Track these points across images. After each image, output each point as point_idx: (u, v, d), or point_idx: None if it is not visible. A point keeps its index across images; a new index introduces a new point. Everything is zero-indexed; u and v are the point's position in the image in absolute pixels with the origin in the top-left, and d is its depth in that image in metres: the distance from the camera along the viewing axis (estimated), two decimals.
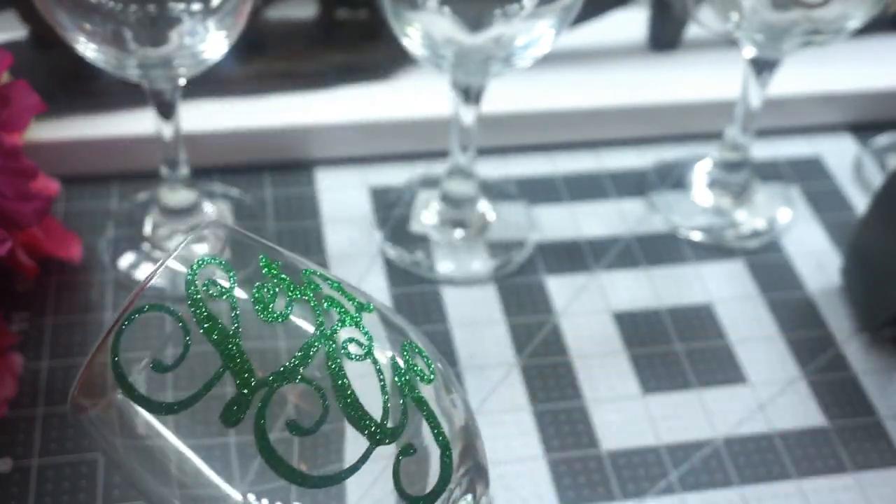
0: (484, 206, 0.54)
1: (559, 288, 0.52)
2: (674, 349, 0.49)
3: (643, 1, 0.63)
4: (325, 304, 0.30)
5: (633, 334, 0.50)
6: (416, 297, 0.50)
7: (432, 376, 0.31)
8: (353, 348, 0.30)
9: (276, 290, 0.30)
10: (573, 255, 0.53)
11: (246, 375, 0.28)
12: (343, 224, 0.54)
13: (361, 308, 0.31)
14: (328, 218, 0.55)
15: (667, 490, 0.43)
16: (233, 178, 0.56)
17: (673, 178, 0.58)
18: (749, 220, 0.56)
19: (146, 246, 0.52)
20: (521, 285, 0.52)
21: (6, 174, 0.42)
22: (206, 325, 0.29)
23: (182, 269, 0.30)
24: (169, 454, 0.29)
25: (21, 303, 0.49)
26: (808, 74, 0.61)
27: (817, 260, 0.54)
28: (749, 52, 0.50)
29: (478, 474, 0.31)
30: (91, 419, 0.30)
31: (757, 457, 0.45)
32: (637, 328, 0.50)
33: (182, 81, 0.45)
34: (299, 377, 0.29)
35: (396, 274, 0.52)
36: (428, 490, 0.30)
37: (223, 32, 0.43)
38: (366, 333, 0.30)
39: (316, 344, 0.29)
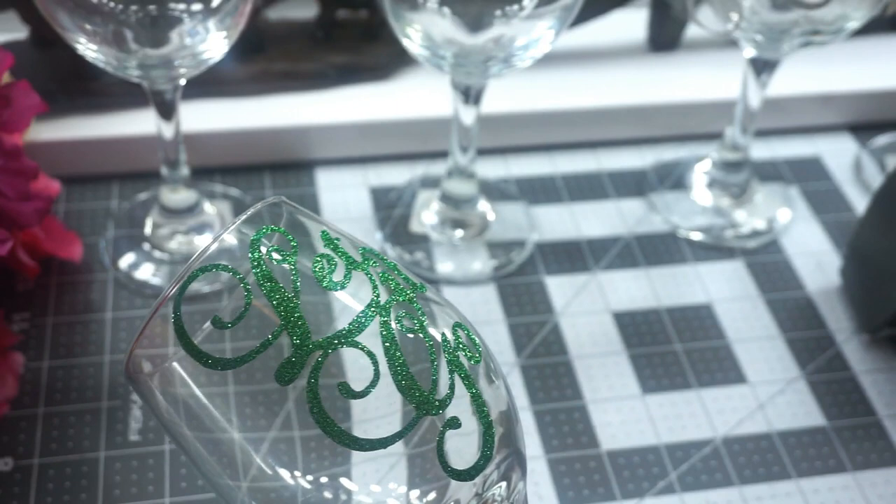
0: (484, 206, 0.55)
1: (559, 288, 0.52)
2: (673, 349, 0.49)
3: (643, 1, 0.63)
4: (381, 279, 0.31)
5: (632, 334, 0.50)
6: None
7: (479, 357, 0.32)
8: (406, 321, 0.31)
9: (336, 261, 0.31)
10: (573, 255, 0.53)
11: (303, 335, 0.29)
12: (343, 224, 0.54)
13: (415, 287, 0.32)
14: (328, 218, 0.55)
15: (667, 490, 0.43)
16: (233, 178, 0.56)
17: (673, 178, 0.58)
18: (748, 220, 0.56)
19: (146, 246, 0.52)
20: (520, 285, 0.52)
21: (7, 174, 0.42)
22: (266, 285, 0.29)
23: (235, 242, 0.30)
24: (222, 422, 0.30)
25: (21, 303, 0.49)
26: (807, 75, 0.61)
27: (817, 260, 0.54)
28: (749, 52, 0.50)
29: (517, 460, 0.32)
30: (146, 379, 0.30)
31: (757, 457, 0.45)
32: (637, 328, 0.50)
33: (182, 82, 0.45)
34: (353, 342, 0.29)
35: None
36: (467, 467, 0.30)
37: (223, 33, 0.43)
38: (419, 309, 0.31)
39: (371, 313, 0.30)
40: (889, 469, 0.45)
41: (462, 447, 0.30)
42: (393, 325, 0.30)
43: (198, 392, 0.30)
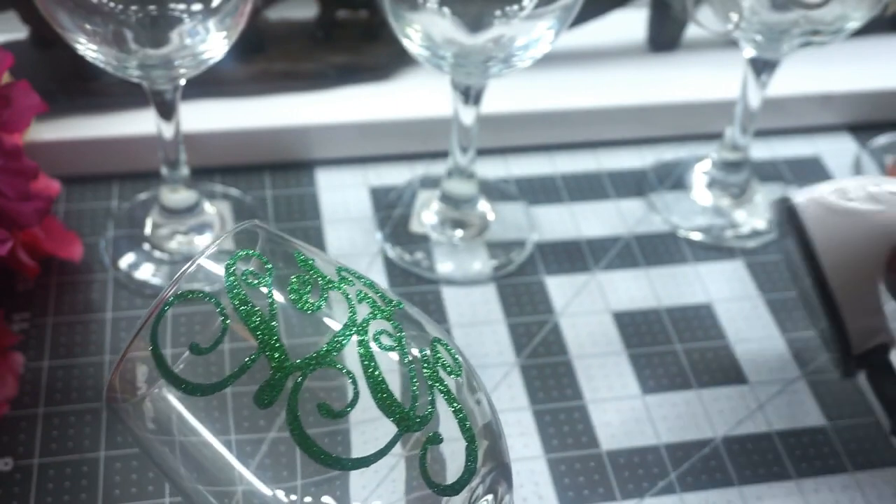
0: (484, 206, 0.55)
1: (559, 288, 0.52)
2: (673, 349, 0.49)
3: (643, 1, 0.63)
4: (358, 298, 0.31)
5: (632, 334, 0.50)
6: (416, 297, 0.51)
7: (459, 371, 0.32)
8: (384, 339, 0.31)
9: (311, 283, 0.31)
10: (573, 255, 0.53)
11: (280, 358, 0.29)
12: (343, 224, 0.54)
13: (391, 304, 0.32)
14: (328, 218, 0.55)
15: (667, 490, 0.43)
16: (233, 178, 0.56)
17: (672, 178, 0.58)
18: (748, 220, 0.56)
19: (146, 246, 0.52)
20: (520, 285, 0.52)
21: (7, 174, 0.42)
22: (242, 309, 0.30)
23: (214, 265, 0.30)
24: (202, 448, 0.30)
25: (21, 303, 0.49)
26: (807, 75, 0.61)
27: None
28: (749, 52, 0.50)
29: (501, 474, 0.32)
30: (125, 409, 0.30)
31: (756, 457, 0.45)
32: (637, 328, 0.50)
33: (182, 82, 0.45)
34: (331, 362, 0.29)
35: (396, 274, 0.52)
36: (452, 481, 0.30)
37: (223, 33, 0.43)
38: (396, 326, 0.31)
39: (348, 333, 0.30)
40: (889, 469, 0.45)
41: (446, 462, 0.30)
42: (371, 343, 0.30)
43: (184, 417, 0.30)
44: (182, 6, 0.42)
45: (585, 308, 0.51)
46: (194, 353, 0.29)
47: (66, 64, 0.55)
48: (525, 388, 0.47)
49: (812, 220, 0.40)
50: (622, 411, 0.46)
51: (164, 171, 0.50)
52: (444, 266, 0.52)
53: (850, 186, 0.41)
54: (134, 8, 0.41)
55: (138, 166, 0.55)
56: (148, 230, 0.52)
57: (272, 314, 0.30)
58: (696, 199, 0.57)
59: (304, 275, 0.31)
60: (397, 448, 0.30)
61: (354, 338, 0.30)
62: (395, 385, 0.30)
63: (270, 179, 0.56)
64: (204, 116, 0.56)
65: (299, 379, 0.29)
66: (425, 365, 0.31)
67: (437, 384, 0.31)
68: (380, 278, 0.51)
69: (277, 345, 0.29)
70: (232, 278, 0.30)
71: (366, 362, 0.30)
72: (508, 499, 0.32)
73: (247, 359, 0.29)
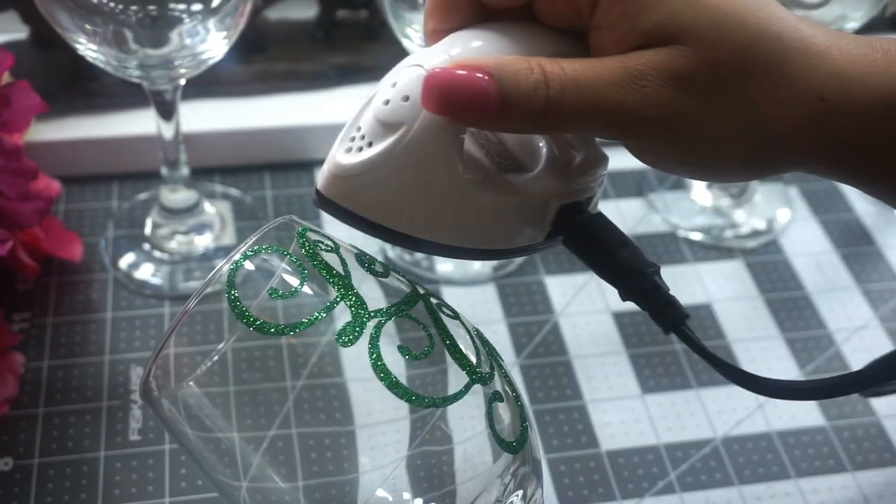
0: None
1: (559, 288, 0.52)
2: (673, 349, 0.49)
3: None
4: (412, 281, 0.33)
5: (632, 334, 0.50)
6: None
7: (501, 361, 0.33)
8: (445, 309, 0.32)
9: (372, 260, 0.33)
10: (572, 255, 0.53)
11: (359, 305, 0.30)
12: (343, 224, 0.54)
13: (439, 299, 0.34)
14: (328, 218, 0.54)
15: (667, 490, 0.43)
16: (233, 178, 0.56)
17: (672, 178, 0.58)
18: (748, 220, 0.56)
19: (146, 246, 0.52)
20: (520, 285, 0.52)
21: (7, 174, 0.42)
22: (317, 262, 0.31)
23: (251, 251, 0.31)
24: (229, 444, 0.30)
25: (22, 303, 0.49)
26: None
27: (816, 260, 0.54)
28: None
29: (533, 469, 0.32)
30: (162, 401, 0.31)
31: (756, 456, 0.45)
32: (636, 328, 0.50)
33: (182, 82, 0.45)
34: (407, 314, 0.31)
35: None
36: (512, 440, 0.31)
37: (223, 33, 0.43)
38: (449, 307, 0.33)
39: (415, 297, 0.32)
40: (889, 469, 0.45)
41: (504, 422, 0.31)
42: (436, 308, 0.32)
43: (211, 412, 0.30)
44: (182, 6, 0.42)
45: (585, 308, 0.51)
46: (272, 296, 0.30)
47: (66, 64, 0.55)
48: (525, 388, 0.47)
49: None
50: (622, 411, 0.46)
51: (164, 171, 0.50)
52: (444, 266, 0.52)
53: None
54: (134, 8, 0.41)
55: (138, 166, 0.55)
56: (148, 230, 0.52)
57: (347, 274, 0.31)
58: (695, 199, 0.57)
59: (363, 255, 0.33)
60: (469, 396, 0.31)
61: (421, 302, 0.31)
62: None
63: (270, 179, 0.56)
64: (204, 116, 0.56)
65: (378, 326, 0.30)
66: (481, 340, 0.33)
67: (493, 355, 0.32)
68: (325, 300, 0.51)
69: (355, 294, 0.30)
70: (303, 240, 0.31)
71: (436, 320, 0.31)
72: (539, 496, 0.32)
73: (327, 303, 0.30)
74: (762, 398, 0.47)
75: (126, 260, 0.51)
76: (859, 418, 0.47)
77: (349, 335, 0.30)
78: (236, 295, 0.30)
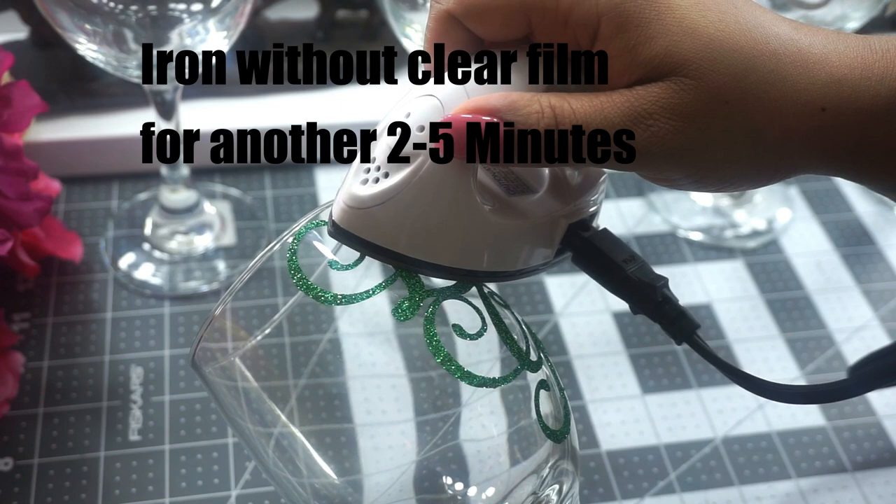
0: None
1: (559, 288, 0.52)
2: (673, 349, 0.49)
3: None
4: None
5: (632, 334, 0.50)
6: None
7: (547, 353, 0.34)
8: (496, 298, 0.33)
9: None
10: None
11: (416, 283, 0.31)
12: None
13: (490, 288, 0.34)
14: None
15: (667, 490, 0.43)
16: (233, 178, 0.56)
17: None
18: (748, 219, 0.56)
19: (146, 246, 0.52)
20: (520, 285, 0.52)
21: (7, 174, 0.42)
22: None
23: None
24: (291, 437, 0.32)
25: (22, 303, 0.49)
26: None
27: (816, 260, 0.54)
28: None
29: (573, 463, 0.33)
30: (212, 371, 0.32)
31: (756, 457, 0.45)
32: (636, 328, 0.50)
33: None
34: (461, 297, 0.32)
35: None
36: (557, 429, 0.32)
37: (223, 33, 0.43)
38: (500, 297, 0.34)
39: (467, 285, 0.32)
40: (889, 469, 0.45)
41: (548, 410, 0.32)
42: (488, 295, 0.33)
43: (257, 385, 0.32)
44: (182, 6, 0.42)
45: (585, 308, 0.51)
46: (333, 268, 0.31)
47: (66, 64, 0.55)
48: None
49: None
50: (622, 411, 0.46)
51: (163, 171, 0.50)
52: None
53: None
54: (134, 8, 0.41)
55: (138, 166, 0.55)
56: (148, 230, 0.52)
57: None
58: (695, 199, 0.57)
59: None
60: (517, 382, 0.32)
61: (474, 288, 0.32)
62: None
63: (270, 179, 0.56)
64: (204, 116, 0.56)
65: (433, 304, 0.31)
66: (530, 332, 0.33)
67: (541, 346, 0.33)
68: (379, 278, 0.51)
69: (410, 275, 0.31)
70: None
71: (489, 305, 0.32)
72: (575, 491, 0.32)
73: (387, 278, 0.31)
74: (762, 398, 0.47)
75: (126, 260, 0.51)
76: (859, 418, 0.47)
77: (406, 311, 0.31)
78: (298, 264, 0.31)
